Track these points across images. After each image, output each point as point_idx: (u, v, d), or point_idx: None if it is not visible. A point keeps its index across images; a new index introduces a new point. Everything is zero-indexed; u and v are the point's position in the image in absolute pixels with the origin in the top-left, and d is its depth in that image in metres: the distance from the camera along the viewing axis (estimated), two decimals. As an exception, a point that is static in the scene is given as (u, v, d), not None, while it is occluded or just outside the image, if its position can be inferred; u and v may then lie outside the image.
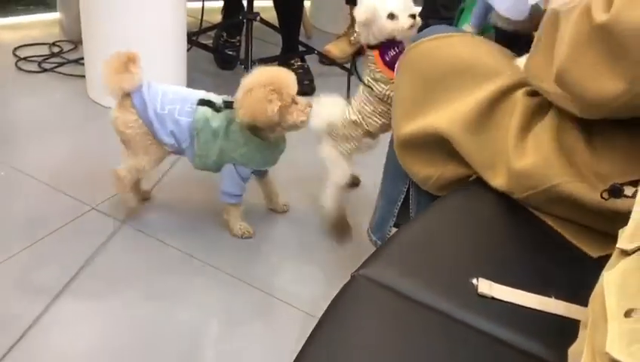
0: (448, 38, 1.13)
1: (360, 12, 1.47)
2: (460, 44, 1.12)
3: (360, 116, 1.52)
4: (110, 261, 1.52)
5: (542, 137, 0.93)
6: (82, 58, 2.35)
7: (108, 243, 1.56)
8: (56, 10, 2.72)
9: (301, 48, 2.48)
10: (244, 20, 2.19)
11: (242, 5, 2.48)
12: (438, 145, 1.05)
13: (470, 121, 0.99)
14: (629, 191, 0.86)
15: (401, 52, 1.41)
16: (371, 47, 1.50)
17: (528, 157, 0.92)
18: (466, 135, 0.99)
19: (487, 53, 1.09)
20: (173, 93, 1.52)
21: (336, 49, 2.62)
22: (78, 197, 1.69)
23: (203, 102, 1.50)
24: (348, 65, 2.57)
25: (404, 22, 1.46)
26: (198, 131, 1.49)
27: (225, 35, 2.51)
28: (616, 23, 0.71)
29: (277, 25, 2.44)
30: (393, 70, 1.42)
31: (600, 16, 0.73)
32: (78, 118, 2.09)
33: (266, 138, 1.52)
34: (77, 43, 2.49)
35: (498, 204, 0.95)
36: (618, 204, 0.83)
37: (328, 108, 1.54)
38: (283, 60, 2.43)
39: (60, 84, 2.27)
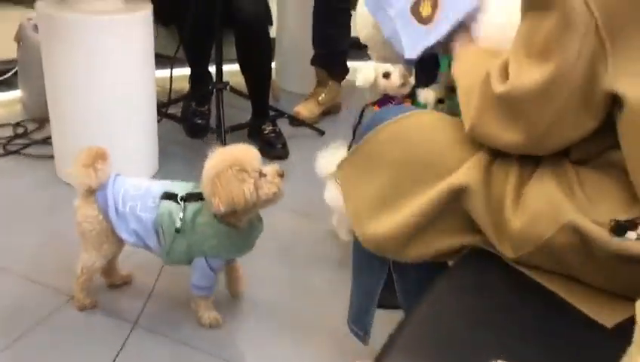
0: (407, 119, 1.07)
1: (363, 78, 1.81)
2: (425, 122, 1.07)
3: None
4: (100, 356, 1.44)
5: (538, 190, 0.93)
6: (49, 137, 2.30)
7: (94, 336, 1.49)
8: (17, 89, 2.68)
9: (271, 112, 2.49)
10: (214, 90, 2.19)
11: (210, 73, 2.50)
12: (439, 218, 1.00)
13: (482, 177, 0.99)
14: (631, 234, 0.87)
15: (396, 104, 1.74)
16: (373, 103, 1.82)
17: (526, 213, 0.92)
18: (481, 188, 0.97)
19: (453, 128, 1.04)
20: (135, 189, 1.46)
21: (305, 110, 2.64)
22: (54, 287, 1.62)
23: (166, 196, 1.44)
24: (318, 126, 2.61)
25: (395, 80, 1.79)
26: (162, 228, 1.42)
27: (194, 104, 2.50)
28: (511, 93, 0.87)
29: (246, 91, 2.45)
30: None
31: (498, 87, 0.89)
32: (49, 200, 2.03)
33: (236, 225, 1.42)
34: (41, 122, 2.44)
35: (503, 276, 0.94)
36: (625, 246, 0.84)
37: (332, 153, 1.76)
38: (254, 126, 2.43)
39: (28, 166, 2.21)
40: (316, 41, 2.62)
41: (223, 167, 1.33)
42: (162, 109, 2.32)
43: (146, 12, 1.99)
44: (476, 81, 0.93)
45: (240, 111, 2.54)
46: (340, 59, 2.66)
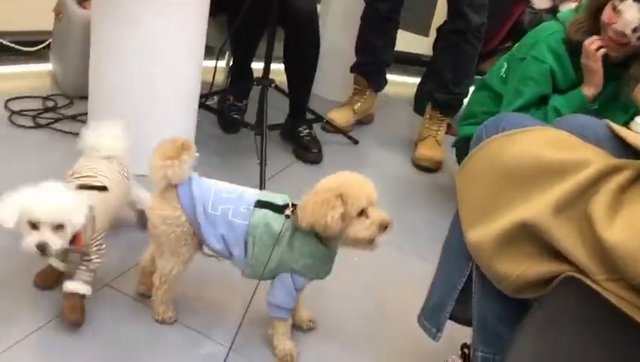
0: (525, 133, 1.10)
1: None
2: (537, 139, 1.09)
3: None
4: None
5: (634, 216, 0.90)
6: (80, 114, 2.24)
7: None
8: (46, 62, 2.60)
9: (307, 115, 2.45)
10: (261, 87, 2.14)
11: (251, 69, 2.45)
12: (522, 241, 1.02)
13: (558, 208, 0.98)
14: None
15: None
16: None
17: (619, 231, 0.90)
18: (555, 221, 0.98)
19: (568, 146, 1.07)
20: (226, 192, 1.34)
21: (341, 117, 2.60)
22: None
23: (262, 204, 1.32)
24: (351, 134, 2.56)
25: None
26: (254, 237, 1.31)
27: (232, 98, 2.45)
28: None
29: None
30: None
31: None
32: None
33: (332, 247, 1.34)
34: (72, 98, 2.38)
35: (598, 309, 0.91)
36: None
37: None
38: (291, 127, 2.38)
39: (57, 141, 2.13)
40: (360, 49, 2.58)
41: (324, 187, 1.26)
42: (200, 100, 2.27)
43: (204, -1, 1.94)
44: None
45: (274, 110, 2.49)
46: (381, 69, 2.63)
